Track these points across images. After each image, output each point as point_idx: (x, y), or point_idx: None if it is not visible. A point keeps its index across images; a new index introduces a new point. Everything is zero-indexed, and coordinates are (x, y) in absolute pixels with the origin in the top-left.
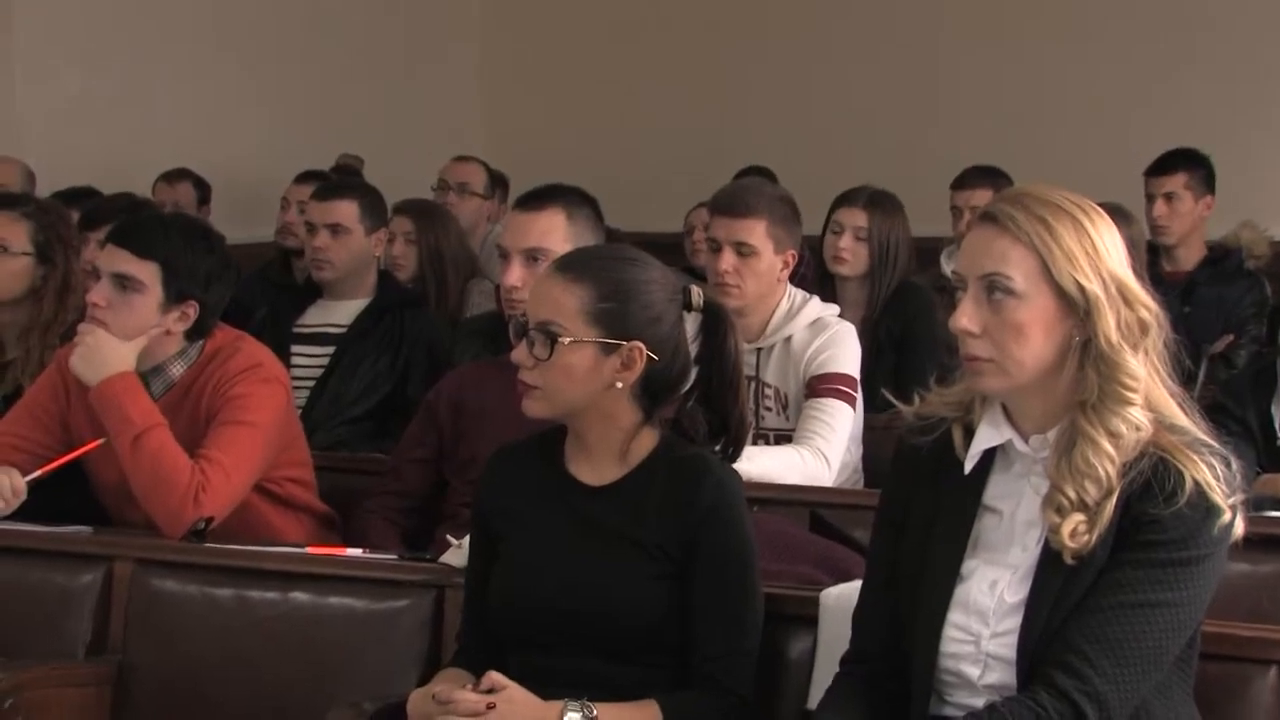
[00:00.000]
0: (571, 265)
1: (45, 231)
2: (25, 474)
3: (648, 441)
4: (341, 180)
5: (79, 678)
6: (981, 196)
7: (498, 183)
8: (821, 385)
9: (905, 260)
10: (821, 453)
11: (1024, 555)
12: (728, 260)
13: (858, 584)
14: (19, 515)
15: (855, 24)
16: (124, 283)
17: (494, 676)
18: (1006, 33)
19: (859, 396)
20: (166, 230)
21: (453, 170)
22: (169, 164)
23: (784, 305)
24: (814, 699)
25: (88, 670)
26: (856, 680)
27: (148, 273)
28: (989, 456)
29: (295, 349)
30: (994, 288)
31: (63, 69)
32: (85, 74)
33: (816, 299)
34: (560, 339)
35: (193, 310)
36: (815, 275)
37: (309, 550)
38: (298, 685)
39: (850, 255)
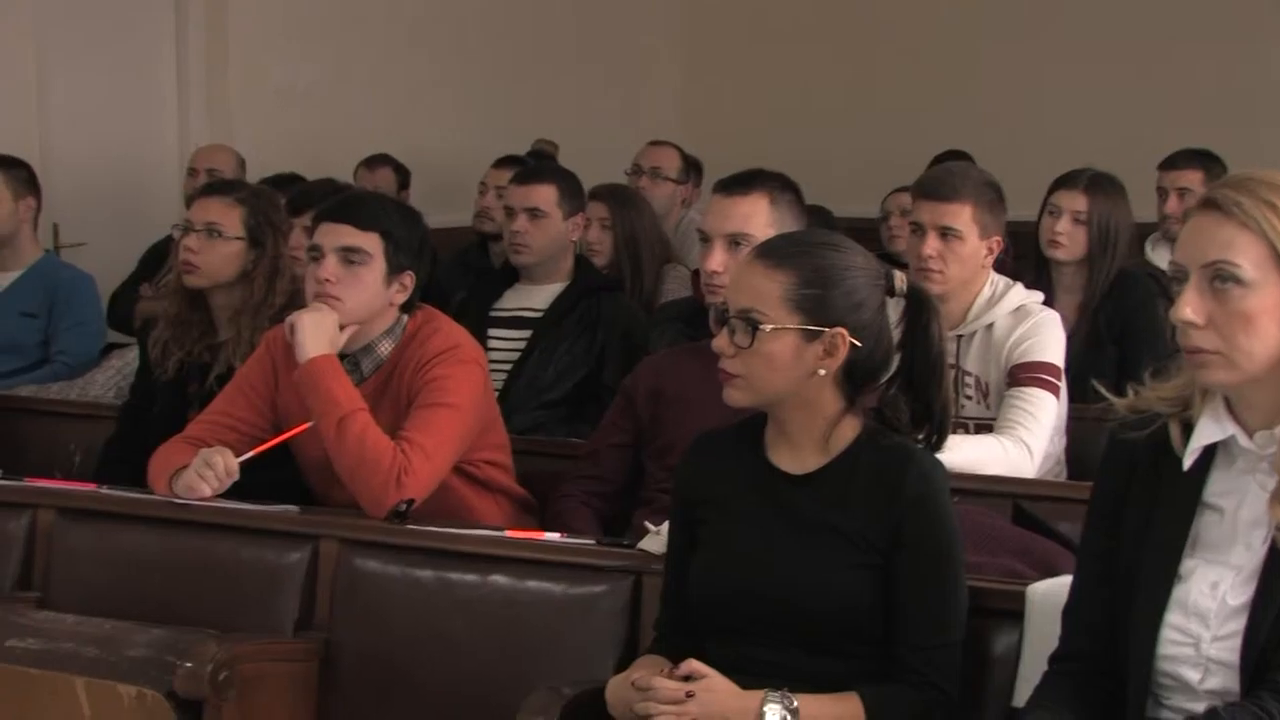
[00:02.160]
0: (773, 252)
1: (257, 216)
2: (237, 454)
3: (850, 430)
4: (540, 165)
5: (288, 653)
6: (1190, 178)
7: (692, 167)
8: (1024, 374)
9: (1126, 246)
10: (1024, 443)
11: (1248, 555)
12: (931, 245)
13: (1066, 579)
14: (230, 493)
15: (1062, 7)
16: (350, 255)
17: (693, 664)
18: (1222, 21)
19: (1063, 386)
20: (379, 204)
21: (647, 155)
22: (369, 150)
23: (986, 292)
24: (1020, 696)
25: (296, 646)
26: (1068, 679)
27: (371, 243)
28: (1209, 452)
29: (492, 332)
30: (1219, 276)
31: (271, 61)
32: (292, 65)
33: (1019, 285)
34: (762, 326)
35: (410, 281)
36: (1033, 260)
37: (508, 533)
38: (496, 667)
39: (1067, 240)
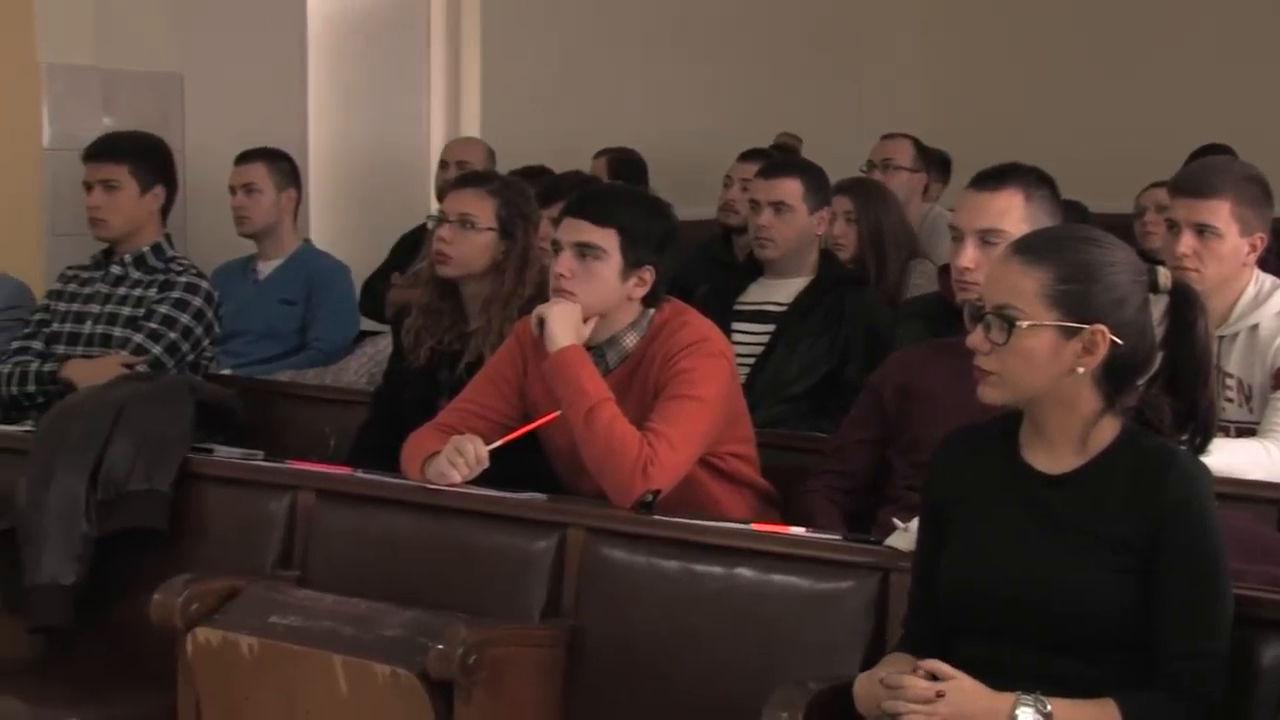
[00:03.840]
0: (1030, 247)
1: (508, 208)
2: (486, 442)
3: (1109, 430)
4: (786, 158)
5: (536, 639)
6: None
7: (934, 161)
8: None
9: None
10: None
11: None
12: (1187, 243)
13: None
14: (479, 480)
15: None
16: (585, 251)
17: (937, 665)
18: None
19: None
20: (621, 198)
21: (879, 149)
22: (614, 143)
23: (1250, 291)
24: None
25: (544, 632)
26: None
27: (607, 239)
28: None
29: (736, 326)
30: None
31: (520, 55)
32: (539, 59)
33: None
34: (1019, 323)
35: (649, 276)
36: None
37: (754, 527)
38: (740, 660)
39: None
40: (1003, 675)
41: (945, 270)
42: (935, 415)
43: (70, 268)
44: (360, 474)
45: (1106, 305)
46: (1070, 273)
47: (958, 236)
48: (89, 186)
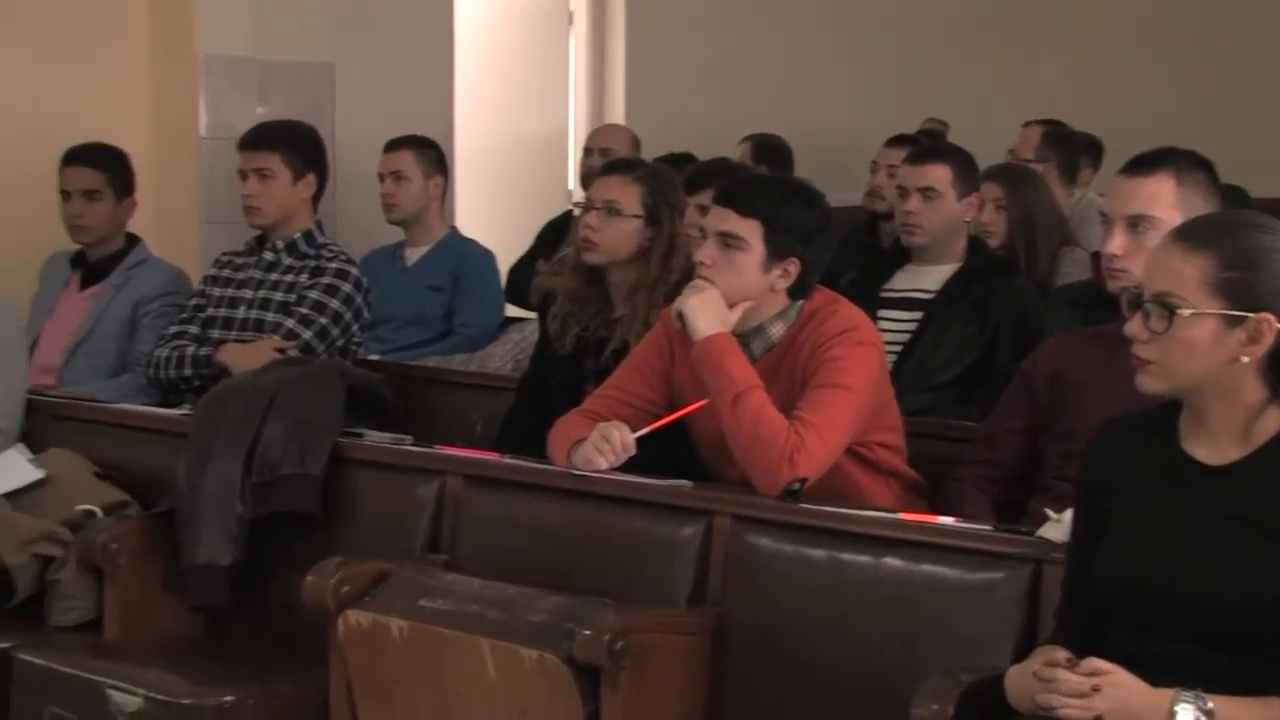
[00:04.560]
0: (1192, 233)
1: (655, 195)
2: (632, 429)
3: (1274, 421)
4: (935, 144)
5: (681, 625)
6: None
7: (1083, 148)
8: None
9: None
10: None
11: None
12: None
13: None
14: (625, 467)
15: None
16: (728, 241)
17: (1094, 663)
18: None
19: None
20: (767, 189)
21: (1017, 137)
22: (759, 129)
23: None
24: None
25: (689, 619)
26: None
27: (750, 230)
28: None
29: (882, 314)
30: None
31: (665, 41)
32: (684, 46)
33: None
34: (1179, 311)
35: (794, 268)
36: None
37: (902, 516)
38: (889, 651)
39: None
40: (1158, 670)
41: (1097, 257)
42: (1089, 404)
43: (225, 254)
44: (507, 459)
45: (1273, 293)
46: (1234, 259)
47: (1108, 223)
48: (243, 175)
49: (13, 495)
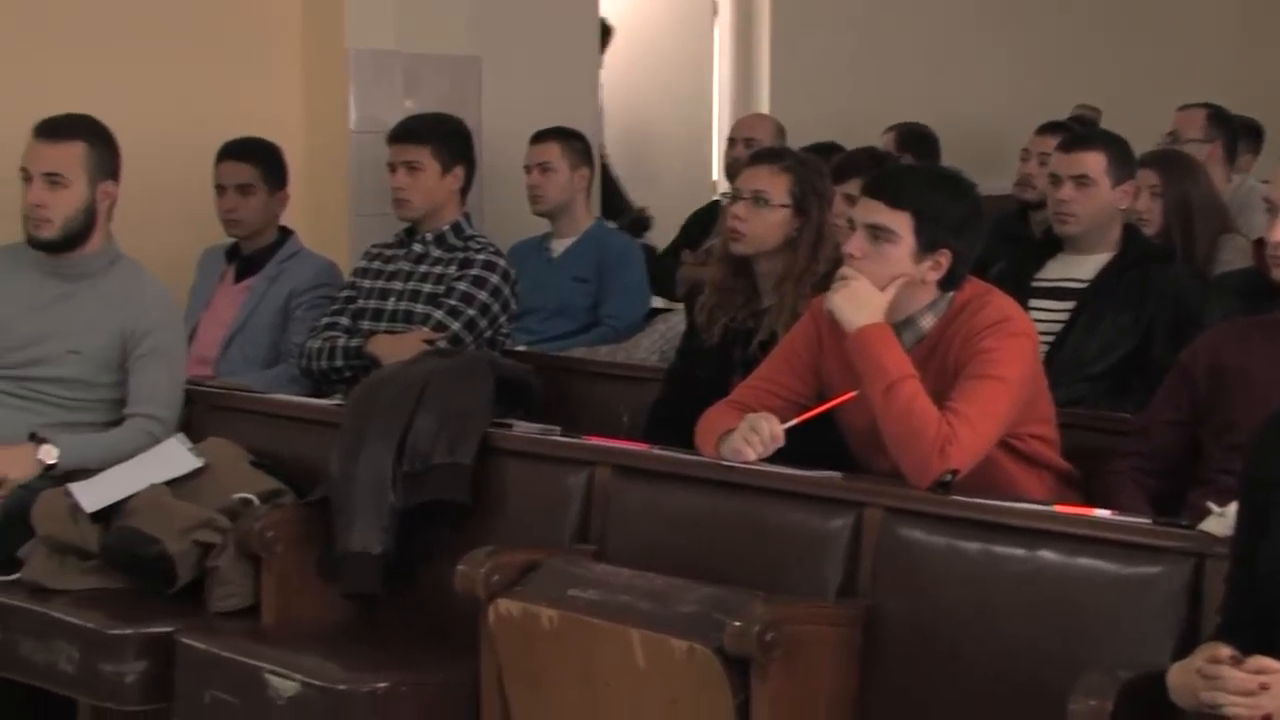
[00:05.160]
0: None
1: (803, 185)
2: (781, 420)
3: None
4: (1089, 131)
5: (831, 617)
6: None
7: (1242, 132)
8: None
9: None
10: None
11: None
12: None
13: None
14: (773, 458)
15: None
16: (878, 233)
17: (1262, 660)
18: None
19: None
20: (918, 180)
21: (1173, 121)
22: (905, 118)
23: None
24: None
25: (839, 611)
26: None
27: (900, 222)
28: None
29: (1034, 303)
30: None
31: (810, 30)
32: (829, 34)
33: None
34: None
35: (945, 259)
36: None
37: (1057, 508)
38: (1044, 646)
39: None
40: None
41: (1260, 244)
42: (1252, 396)
43: (375, 246)
44: (657, 450)
45: None
46: None
47: (1271, 210)
48: (393, 167)
49: (173, 483)
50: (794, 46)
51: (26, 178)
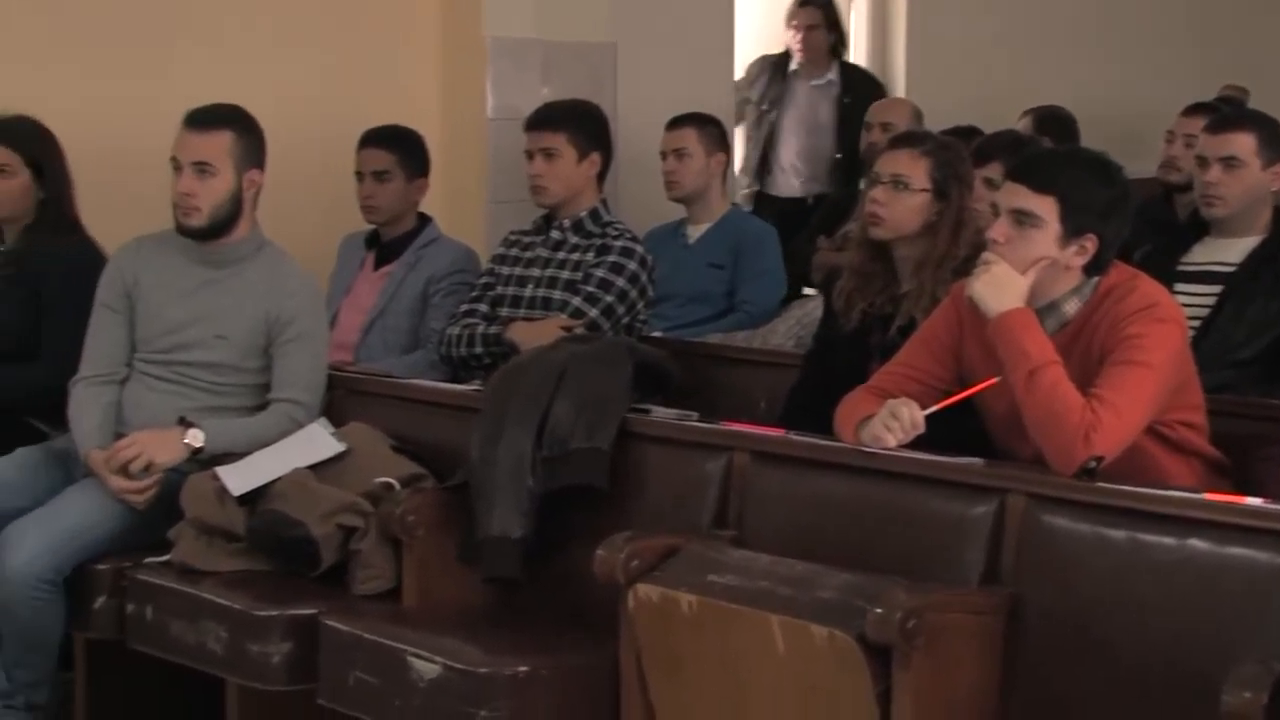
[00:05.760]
0: None
1: (943, 169)
2: (921, 406)
3: None
4: (1238, 111)
5: (974, 605)
6: None
7: None
8: None
9: None
10: None
11: None
12: None
13: None
14: (912, 444)
15: None
16: (1022, 218)
17: None
18: None
19: None
20: (1064, 164)
21: None
22: (1042, 100)
23: None
24: None
25: (983, 599)
26: None
27: (1045, 207)
28: None
29: (1179, 287)
30: None
31: (947, 13)
32: (966, 15)
33: None
34: None
35: (1091, 244)
36: None
37: (1206, 496)
38: (1193, 635)
39: None
40: None
41: None
42: None
43: (513, 233)
44: (794, 436)
45: None
46: None
47: None
48: (530, 154)
49: (316, 468)
50: (930, 29)
51: (176, 167)
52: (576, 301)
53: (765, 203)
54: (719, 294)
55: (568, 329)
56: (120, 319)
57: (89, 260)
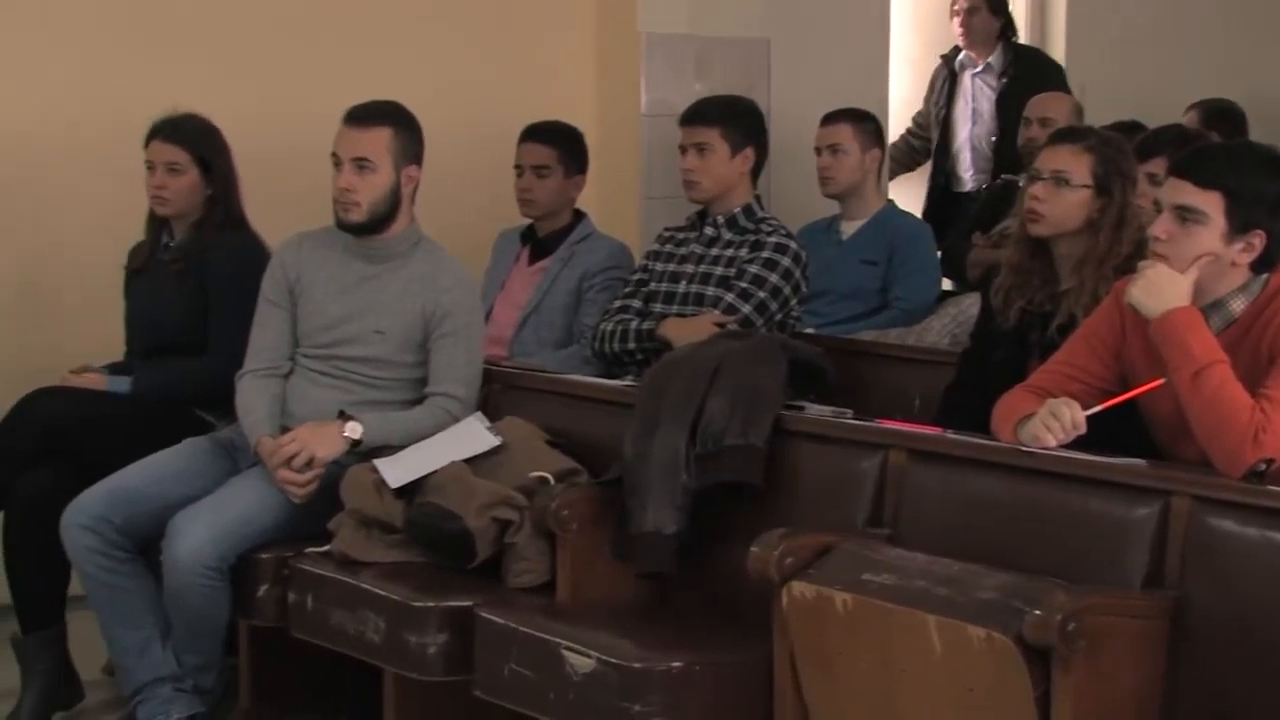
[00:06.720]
0: None
1: (1106, 164)
2: (1081, 405)
3: None
4: None
5: (1137, 608)
6: None
7: None
8: None
9: None
10: None
11: None
12: None
13: None
14: (1073, 444)
15: None
16: (1186, 215)
17: None
18: None
19: None
20: (1230, 159)
21: None
22: (1208, 94)
23: None
24: None
25: (1146, 602)
26: None
27: (1210, 203)
28: None
29: None
30: None
31: (1108, 4)
32: (1127, 8)
33: None
34: None
35: (1259, 241)
36: None
37: None
38: None
39: None
40: None
41: None
42: None
43: (667, 229)
44: (951, 434)
45: None
46: None
47: None
48: (683, 150)
49: (472, 461)
50: (1091, 21)
51: (336, 163)
52: (730, 298)
53: (949, 200)
54: (872, 291)
55: (720, 325)
56: (283, 314)
57: (254, 256)
